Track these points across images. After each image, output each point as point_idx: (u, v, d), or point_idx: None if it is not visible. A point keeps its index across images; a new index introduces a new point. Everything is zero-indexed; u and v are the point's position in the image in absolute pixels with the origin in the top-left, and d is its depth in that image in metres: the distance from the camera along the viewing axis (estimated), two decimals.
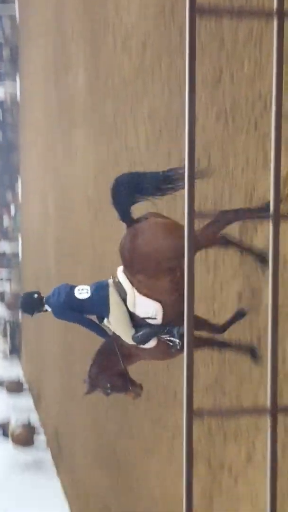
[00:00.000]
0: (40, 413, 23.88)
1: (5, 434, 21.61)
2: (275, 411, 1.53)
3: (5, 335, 32.26)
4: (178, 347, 5.75)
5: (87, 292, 5.96)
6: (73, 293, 5.99)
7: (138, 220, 5.67)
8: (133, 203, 5.66)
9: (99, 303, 5.88)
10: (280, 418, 1.51)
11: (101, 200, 13.39)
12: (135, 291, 5.63)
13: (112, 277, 5.96)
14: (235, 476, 6.82)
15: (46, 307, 6.21)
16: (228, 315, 6.93)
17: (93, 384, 6.45)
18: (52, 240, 20.79)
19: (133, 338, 5.79)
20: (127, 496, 11.39)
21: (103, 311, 5.88)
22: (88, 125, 14.62)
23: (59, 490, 18.62)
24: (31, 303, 6.27)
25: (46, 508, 17.57)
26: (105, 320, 5.98)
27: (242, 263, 6.64)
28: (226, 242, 5.79)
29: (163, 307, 5.61)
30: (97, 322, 6.16)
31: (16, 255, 32.97)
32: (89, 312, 6.09)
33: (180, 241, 4.65)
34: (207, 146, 7.31)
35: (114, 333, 5.99)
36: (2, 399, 26.00)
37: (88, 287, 6.03)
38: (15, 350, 31.41)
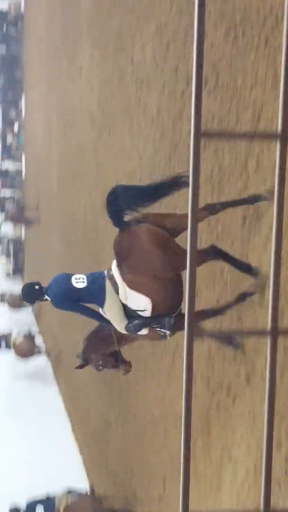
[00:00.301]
0: (41, 328, 24.22)
1: (8, 345, 22.13)
2: (275, 333, 1.48)
3: (8, 255, 32.35)
4: (168, 338, 6.26)
5: (84, 282, 6.27)
6: (71, 282, 6.29)
7: (130, 224, 5.87)
8: (126, 212, 5.89)
9: (95, 294, 6.19)
10: (280, 340, 1.46)
11: (105, 117, 13.16)
12: (126, 286, 5.93)
13: (108, 269, 6.22)
14: (233, 396, 6.90)
15: (46, 296, 6.53)
16: (231, 237, 6.88)
17: (85, 360, 6.85)
18: (55, 158, 20.59)
19: (126, 328, 6.18)
20: (127, 413, 11.62)
21: (99, 301, 6.22)
22: (94, 40, 14.24)
23: (59, 400, 19.19)
24: (32, 294, 6.63)
25: (46, 416, 18.11)
26: (100, 309, 6.33)
27: (247, 187, 6.54)
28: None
29: (152, 302, 5.93)
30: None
31: (20, 173, 32.75)
32: (85, 301, 6.39)
33: (169, 252, 5.72)
34: (215, 63, 7.09)
35: None
36: (4, 312, 26.50)
37: (85, 276, 6.34)
38: (18, 270, 31.56)
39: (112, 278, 6.12)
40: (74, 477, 13.37)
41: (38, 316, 25.24)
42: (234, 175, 6.89)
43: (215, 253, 6.05)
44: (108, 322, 6.36)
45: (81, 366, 6.98)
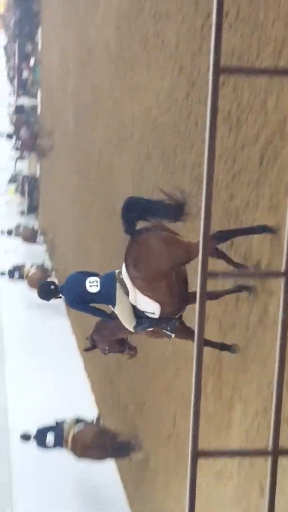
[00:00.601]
0: (54, 262, 24.39)
1: (21, 276, 22.51)
2: None
3: (23, 194, 32.15)
4: (171, 338, 6.83)
5: (97, 285, 6.73)
6: (84, 286, 6.73)
7: (141, 232, 6.27)
8: (138, 221, 6.28)
9: (107, 295, 6.67)
10: None
11: (122, 52, 12.90)
12: (137, 291, 6.31)
13: (118, 272, 6.66)
14: (244, 337, 6.88)
15: (61, 295, 7.05)
16: (248, 177, 6.77)
17: (94, 345, 7.51)
18: (71, 94, 20.30)
19: (134, 328, 6.69)
20: (139, 351, 11.57)
21: (111, 302, 6.68)
22: None
23: (71, 337, 19.51)
24: (48, 292, 7.18)
25: (58, 351, 18.42)
26: (112, 308, 6.78)
27: (265, 125, 6.39)
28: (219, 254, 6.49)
29: (161, 306, 6.35)
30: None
31: (35, 109, 32.35)
32: (98, 302, 6.89)
33: (178, 254, 6.15)
34: None
35: None
36: (18, 246, 26.86)
37: (98, 279, 6.78)
38: (32, 208, 31.43)
39: (122, 282, 6.54)
40: (84, 411, 13.61)
41: (51, 250, 25.41)
42: (253, 113, 6.73)
43: (222, 238, 6.39)
44: (116, 319, 6.83)
45: (88, 349, 7.75)
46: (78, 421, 12.05)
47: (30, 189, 31.41)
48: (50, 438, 11.77)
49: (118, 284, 6.62)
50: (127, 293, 6.50)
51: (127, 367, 12.66)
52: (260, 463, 6.40)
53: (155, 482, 10.60)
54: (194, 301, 6.01)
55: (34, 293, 20.77)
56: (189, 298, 6.47)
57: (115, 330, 7.10)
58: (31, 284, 21.88)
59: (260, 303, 6.49)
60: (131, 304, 6.55)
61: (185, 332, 6.81)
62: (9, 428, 14.95)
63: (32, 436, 12.07)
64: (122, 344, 7.42)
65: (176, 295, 6.39)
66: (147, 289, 6.27)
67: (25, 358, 18.49)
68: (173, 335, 6.69)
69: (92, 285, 6.74)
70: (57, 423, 12.06)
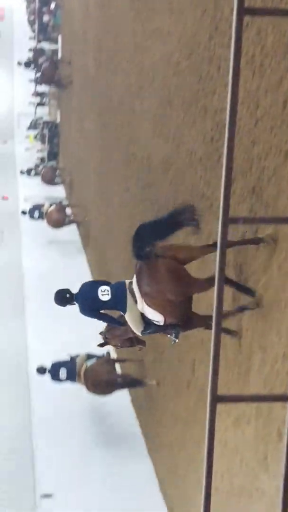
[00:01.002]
0: (72, 201, 24.54)
1: (40, 215, 23.10)
2: None
3: (43, 140, 31.90)
4: (175, 343, 7.46)
5: (108, 294, 7.41)
6: (97, 294, 7.43)
7: (150, 256, 6.86)
8: (147, 247, 6.89)
9: (118, 303, 7.34)
10: None
11: None
12: (144, 303, 6.95)
13: (129, 282, 7.32)
14: (264, 276, 6.87)
15: (75, 302, 7.72)
16: (271, 122, 6.66)
17: (106, 342, 8.47)
18: (92, 39, 20.00)
19: (141, 333, 7.40)
20: None
21: (121, 309, 7.35)
22: None
23: (86, 267, 19.93)
24: (63, 299, 7.86)
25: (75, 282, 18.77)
26: (122, 314, 7.47)
27: None
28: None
29: (165, 317, 6.98)
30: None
31: (55, 53, 31.92)
32: (110, 309, 7.56)
33: (184, 289, 6.85)
34: None
35: None
36: (38, 186, 27.18)
37: (109, 288, 7.49)
38: (53, 155, 31.23)
39: (132, 292, 7.18)
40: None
41: (69, 191, 25.57)
42: (277, 57, 6.59)
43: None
44: (124, 324, 7.60)
45: (102, 345, 8.64)
46: (89, 356, 12.81)
47: (50, 135, 31.17)
48: (63, 372, 12.59)
49: (128, 294, 7.29)
50: (136, 301, 7.13)
51: None
52: (278, 408, 6.45)
53: (174, 428, 10.75)
54: (197, 319, 7.32)
55: (53, 232, 21.70)
56: (193, 315, 7.23)
57: (125, 332, 7.89)
58: (50, 223, 22.52)
59: (280, 250, 6.45)
60: (139, 312, 7.18)
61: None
62: (28, 371, 15.20)
63: (47, 370, 12.81)
64: (131, 341, 8.18)
65: (179, 312, 7.08)
66: (154, 305, 6.93)
67: (42, 290, 18.75)
68: (177, 340, 7.34)
69: (104, 294, 7.45)
70: (70, 358, 12.80)
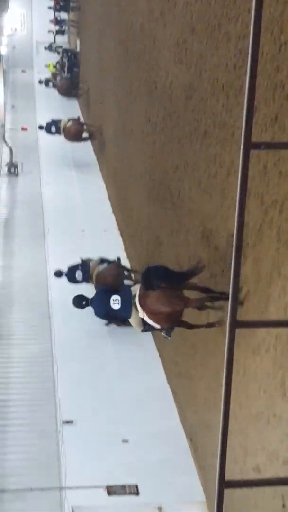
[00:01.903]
0: (87, 118, 24.45)
1: (58, 130, 23.48)
2: None
3: (63, 71, 31.41)
4: (168, 339, 9.78)
5: (118, 303, 9.61)
6: (109, 303, 9.66)
7: (154, 287, 8.95)
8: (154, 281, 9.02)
9: (125, 311, 9.55)
10: None
11: None
12: (145, 315, 9.09)
13: (134, 295, 9.30)
14: (286, 214, 6.85)
15: (91, 306, 10.52)
16: None
17: (110, 322, 11.66)
18: None
19: (141, 331, 9.74)
20: (179, 230, 11.74)
21: (127, 315, 9.56)
22: None
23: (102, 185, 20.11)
24: (80, 305, 10.89)
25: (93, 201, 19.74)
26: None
27: None
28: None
29: (160, 326, 9.23)
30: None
31: None
32: (119, 313, 9.71)
33: (177, 308, 8.98)
34: None
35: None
36: (55, 99, 28.21)
37: (119, 298, 9.60)
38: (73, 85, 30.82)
39: (135, 304, 9.23)
40: None
41: (85, 108, 25.62)
42: None
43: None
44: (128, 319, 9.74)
45: (107, 324, 12.22)
46: (102, 261, 14.14)
47: (70, 64, 30.72)
48: (79, 274, 14.00)
49: (134, 303, 9.28)
50: (137, 310, 9.19)
51: (167, 244, 12.78)
52: None
53: (194, 357, 10.90)
54: (185, 326, 9.63)
55: (70, 145, 22.40)
56: (182, 322, 9.44)
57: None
58: (68, 137, 23.04)
59: None
60: (140, 317, 9.24)
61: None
62: (49, 299, 15.41)
63: (64, 273, 14.16)
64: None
65: (172, 323, 9.28)
66: (153, 319, 9.07)
67: (64, 224, 18.96)
68: (169, 338, 9.60)
69: (115, 303, 9.62)
70: (83, 261, 14.25)
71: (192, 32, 10.61)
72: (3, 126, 25.86)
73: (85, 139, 23.95)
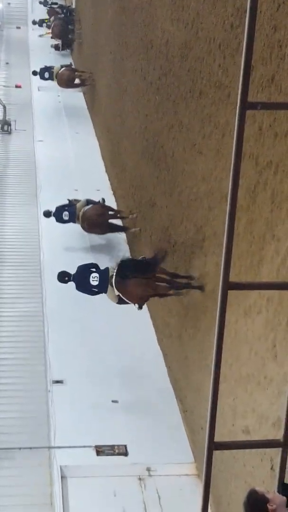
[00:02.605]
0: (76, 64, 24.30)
1: (51, 77, 24.01)
2: None
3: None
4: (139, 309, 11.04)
5: (97, 280, 11.07)
6: (89, 279, 11.14)
7: (128, 277, 10.65)
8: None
9: (102, 287, 11.04)
10: None
11: None
12: (120, 294, 10.72)
13: (111, 276, 10.81)
14: (280, 175, 6.78)
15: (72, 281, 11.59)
16: None
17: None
18: None
19: (116, 303, 11.04)
20: (173, 190, 11.65)
21: (103, 291, 11.05)
22: None
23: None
24: (63, 280, 11.76)
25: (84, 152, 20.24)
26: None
27: None
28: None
29: (133, 303, 10.82)
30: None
31: None
32: (96, 289, 11.16)
33: (144, 292, 10.71)
34: None
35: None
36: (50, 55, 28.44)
37: (98, 275, 11.13)
38: (67, 43, 30.28)
39: (111, 282, 10.75)
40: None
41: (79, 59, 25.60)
42: None
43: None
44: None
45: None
46: (88, 202, 15.38)
47: (65, 21, 30.19)
48: (65, 214, 15.27)
49: (110, 282, 10.74)
50: (112, 286, 10.70)
51: (160, 206, 12.70)
52: None
53: (185, 318, 10.92)
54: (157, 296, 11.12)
55: (64, 102, 23.01)
56: (154, 296, 10.93)
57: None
58: (61, 83, 23.59)
59: None
60: (115, 293, 10.71)
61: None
62: (41, 259, 15.36)
63: (52, 213, 15.43)
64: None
65: (143, 302, 10.90)
66: (126, 298, 10.71)
67: (56, 182, 18.92)
68: (141, 309, 10.96)
69: (94, 280, 11.08)
70: (70, 202, 15.49)
71: None
72: None
73: (77, 86, 24.34)
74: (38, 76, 24.31)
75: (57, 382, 11.68)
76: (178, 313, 11.32)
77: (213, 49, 9.25)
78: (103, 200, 15.62)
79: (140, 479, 10.02)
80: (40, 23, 31.03)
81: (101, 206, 15.32)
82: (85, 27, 26.15)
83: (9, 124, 23.11)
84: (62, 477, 9.79)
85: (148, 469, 10.03)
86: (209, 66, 9.44)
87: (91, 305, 12.80)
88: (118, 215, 15.76)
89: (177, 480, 9.97)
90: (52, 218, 15.49)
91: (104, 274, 11.00)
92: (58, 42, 30.30)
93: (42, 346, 12.57)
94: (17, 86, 26.79)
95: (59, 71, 23.49)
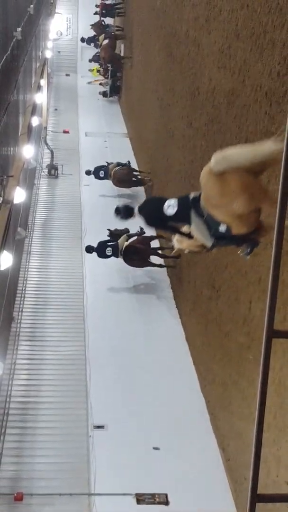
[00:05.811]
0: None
1: (96, 46, 27.02)
2: None
3: (106, 75, 31.43)
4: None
5: (173, 208, 7.13)
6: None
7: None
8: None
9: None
10: None
11: None
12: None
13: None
14: None
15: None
16: None
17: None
18: None
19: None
20: None
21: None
22: None
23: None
24: (89, 251, 15.89)
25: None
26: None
27: None
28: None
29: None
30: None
31: None
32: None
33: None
34: None
35: None
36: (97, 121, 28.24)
37: (111, 249, 15.17)
38: (115, 90, 30.84)
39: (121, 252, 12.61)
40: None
41: (130, 124, 25.47)
42: None
43: None
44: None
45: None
46: (118, 164, 20.56)
47: (113, 69, 30.80)
48: (101, 173, 20.08)
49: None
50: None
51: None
52: None
53: (228, 364, 10.80)
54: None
55: (111, 151, 24.09)
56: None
57: None
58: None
59: None
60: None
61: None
62: (85, 304, 15.41)
63: (92, 172, 20.75)
64: None
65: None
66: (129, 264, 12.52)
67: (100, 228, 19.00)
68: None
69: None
70: (107, 163, 20.72)
71: (237, 39, 10.54)
72: (45, 128, 25.97)
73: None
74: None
75: (98, 427, 11.60)
76: (221, 359, 11.20)
77: (260, 97, 9.30)
78: (129, 162, 20.92)
79: None
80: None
81: (128, 167, 20.12)
82: (132, 75, 26.60)
83: (56, 169, 23.47)
84: None
85: None
86: (255, 113, 9.49)
87: (134, 349, 12.78)
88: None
89: None
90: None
91: (115, 248, 15.72)
92: (106, 89, 30.86)
93: (84, 390, 12.54)
94: (65, 132, 27.29)
95: (102, 44, 23.74)
